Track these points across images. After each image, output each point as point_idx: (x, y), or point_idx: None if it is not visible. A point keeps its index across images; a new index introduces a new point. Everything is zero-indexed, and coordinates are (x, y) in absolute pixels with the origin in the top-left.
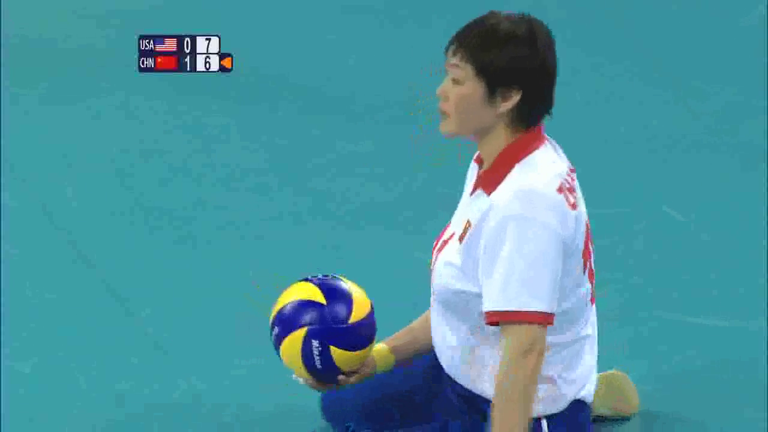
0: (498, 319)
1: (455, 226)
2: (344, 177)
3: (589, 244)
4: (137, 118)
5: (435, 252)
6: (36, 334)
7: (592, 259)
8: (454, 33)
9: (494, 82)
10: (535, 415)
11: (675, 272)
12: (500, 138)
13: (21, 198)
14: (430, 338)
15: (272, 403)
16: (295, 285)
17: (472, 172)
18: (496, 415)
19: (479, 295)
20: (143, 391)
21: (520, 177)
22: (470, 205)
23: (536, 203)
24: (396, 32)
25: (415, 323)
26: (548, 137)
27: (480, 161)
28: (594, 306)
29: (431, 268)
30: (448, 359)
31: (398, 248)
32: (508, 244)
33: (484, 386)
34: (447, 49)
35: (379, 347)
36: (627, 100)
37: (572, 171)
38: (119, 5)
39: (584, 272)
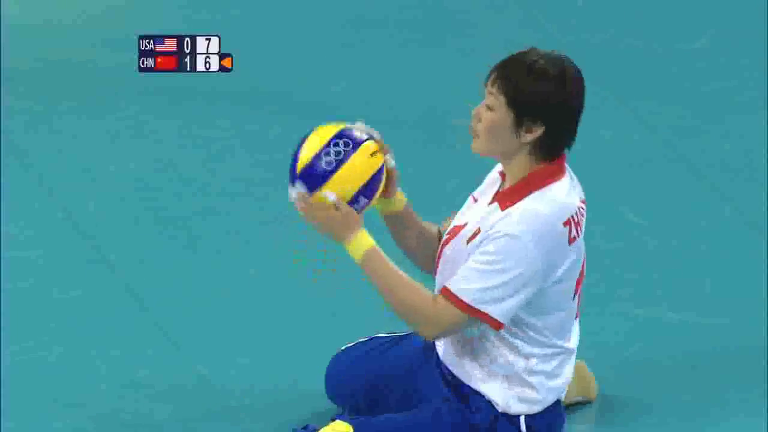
0: (452, 300)
1: (468, 227)
2: None
3: (584, 270)
4: (151, 135)
5: (442, 246)
6: (61, 326)
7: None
8: (497, 62)
9: (522, 114)
10: (514, 412)
11: (625, 270)
12: (522, 164)
13: (48, 207)
14: (431, 240)
15: (274, 389)
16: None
17: (493, 182)
18: (399, 299)
19: None
20: (156, 378)
21: (533, 203)
22: (484, 215)
23: (537, 231)
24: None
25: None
26: (568, 168)
27: (504, 177)
28: (577, 321)
29: (436, 261)
30: (444, 346)
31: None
32: (496, 256)
33: (473, 375)
34: (487, 77)
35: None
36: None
37: (583, 203)
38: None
39: (573, 296)
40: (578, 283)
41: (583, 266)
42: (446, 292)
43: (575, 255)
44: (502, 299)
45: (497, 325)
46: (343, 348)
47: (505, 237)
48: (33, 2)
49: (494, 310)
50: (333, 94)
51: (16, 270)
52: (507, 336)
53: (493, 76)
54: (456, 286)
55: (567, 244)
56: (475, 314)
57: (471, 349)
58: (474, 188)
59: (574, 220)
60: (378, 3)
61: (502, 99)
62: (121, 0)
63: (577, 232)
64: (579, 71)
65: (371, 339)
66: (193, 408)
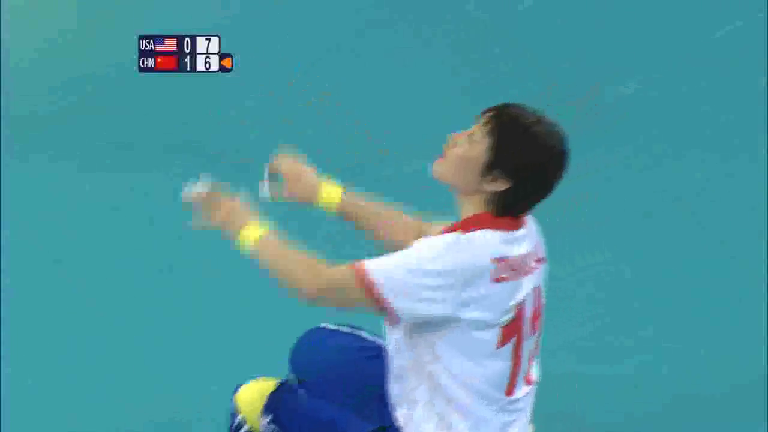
0: (359, 269)
1: None
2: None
3: (524, 326)
4: (149, 137)
5: None
6: (59, 335)
7: (528, 343)
8: (498, 104)
9: (497, 163)
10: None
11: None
12: (474, 206)
13: (46, 211)
14: (381, 222)
15: None
16: None
17: None
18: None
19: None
20: (156, 386)
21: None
22: None
23: (462, 250)
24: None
25: (382, 208)
26: (531, 224)
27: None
28: (528, 389)
29: None
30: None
31: None
32: (412, 250)
33: (395, 386)
34: (485, 112)
35: (333, 186)
36: None
37: (537, 261)
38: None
39: (502, 346)
40: (512, 333)
41: (521, 323)
42: (357, 264)
43: (503, 298)
44: (409, 292)
45: (395, 319)
46: (324, 328)
47: (426, 240)
48: (33, 5)
49: (389, 295)
50: (332, 96)
51: (16, 277)
52: (434, 370)
53: (487, 117)
54: (371, 263)
55: (488, 278)
56: (376, 296)
57: (404, 374)
58: None
59: (508, 262)
60: (377, 5)
61: (487, 141)
62: (122, 0)
63: (510, 275)
64: (568, 152)
65: (353, 334)
66: (193, 415)
